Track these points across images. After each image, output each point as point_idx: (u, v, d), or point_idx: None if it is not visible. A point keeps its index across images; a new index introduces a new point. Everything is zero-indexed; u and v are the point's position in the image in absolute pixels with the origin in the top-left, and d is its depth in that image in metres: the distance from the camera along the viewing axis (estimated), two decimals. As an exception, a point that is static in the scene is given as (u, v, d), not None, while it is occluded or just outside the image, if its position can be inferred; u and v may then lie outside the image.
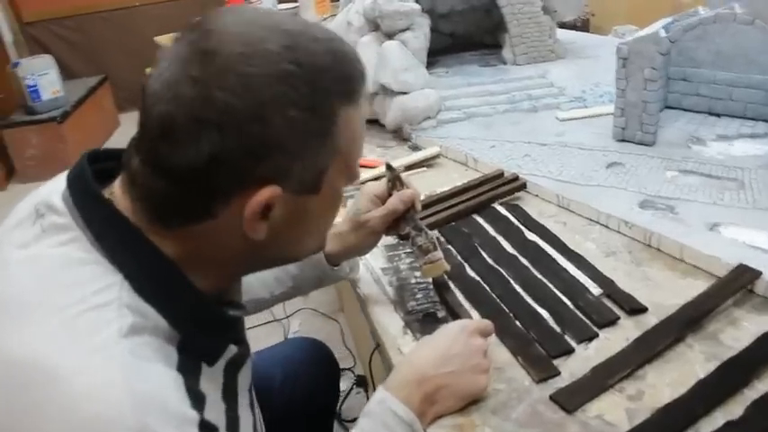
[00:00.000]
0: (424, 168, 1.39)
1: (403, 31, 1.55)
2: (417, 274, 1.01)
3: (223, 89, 0.55)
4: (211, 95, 0.55)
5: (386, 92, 1.54)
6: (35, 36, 4.70)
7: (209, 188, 0.58)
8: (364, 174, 1.38)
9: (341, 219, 0.98)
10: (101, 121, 4.44)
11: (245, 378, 0.75)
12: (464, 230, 1.12)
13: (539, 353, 0.83)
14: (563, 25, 2.26)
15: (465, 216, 1.15)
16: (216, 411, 0.61)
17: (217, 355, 0.65)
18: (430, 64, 1.78)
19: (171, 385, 0.55)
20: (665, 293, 0.92)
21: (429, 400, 0.74)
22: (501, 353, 0.85)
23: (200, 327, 0.61)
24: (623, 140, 1.33)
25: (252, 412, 0.76)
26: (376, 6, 1.53)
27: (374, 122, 1.64)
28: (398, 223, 0.95)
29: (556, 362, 0.81)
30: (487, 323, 0.82)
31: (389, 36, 1.56)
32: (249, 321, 2.25)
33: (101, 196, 0.60)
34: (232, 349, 0.69)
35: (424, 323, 0.92)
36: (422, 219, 1.13)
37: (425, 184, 1.30)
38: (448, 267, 0.94)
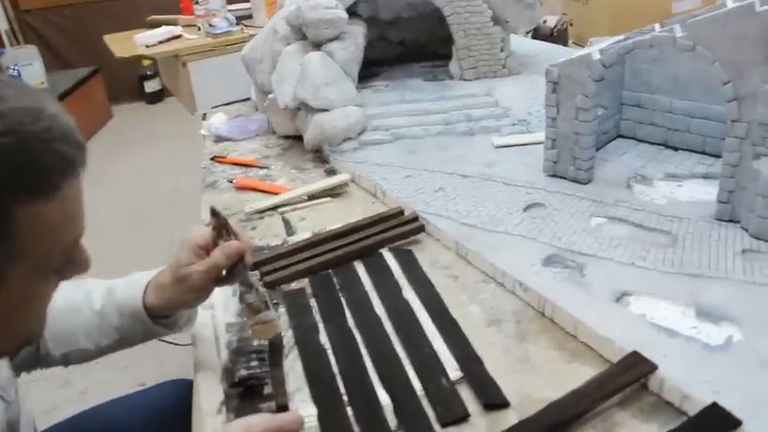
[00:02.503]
0: (329, 198, 1.22)
1: (331, 40, 1.39)
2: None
3: None
4: None
5: (307, 108, 1.38)
6: (32, 24, 4.61)
7: None
8: (265, 200, 1.23)
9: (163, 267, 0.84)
10: (91, 113, 4.33)
11: None
12: (335, 282, 0.96)
13: (354, 459, 0.66)
14: (536, 35, 2.07)
15: (345, 262, 0.99)
16: None
17: None
18: (373, 75, 1.63)
19: None
20: (540, 381, 0.75)
21: None
22: (316, 451, 0.69)
23: None
24: (555, 176, 1.16)
25: None
26: (300, 13, 1.37)
27: (298, 139, 1.49)
28: (230, 275, 0.80)
29: (374, 471, 0.65)
30: (287, 420, 0.66)
31: (317, 46, 1.40)
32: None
33: None
34: None
35: (244, 400, 0.76)
36: (301, 262, 0.98)
37: (322, 218, 1.15)
38: (280, 330, 0.79)
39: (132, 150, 3.94)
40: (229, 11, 2.32)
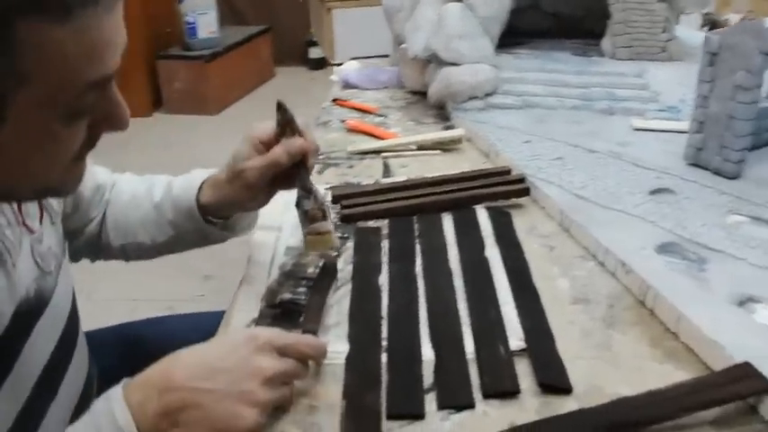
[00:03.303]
0: (438, 152, 1.13)
1: (475, -8, 1.29)
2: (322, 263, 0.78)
3: None
4: None
5: (437, 60, 1.28)
6: (216, -22, 4.84)
7: None
8: (371, 143, 1.16)
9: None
10: (253, 69, 4.47)
11: None
12: (416, 227, 0.86)
13: (372, 405, 0.57)
14: (713, 27, 1.85)
15: (434, 211, 0.89)
16: None
17: None
18: (517, 44, 1.51)
19: None
20: (617, 375, 0.61)
21: (169, 419, 0.53)
22: (333, 389, 0.60)
23: None
24: (696, 165, 0.99)
25: None
26: (445, -43, 1.27)
27: (426, 96, 1.40)
28: (290, 179, 0.74)
29: (391, 424, 0.55)
30: (302, 341, 0.58)
31: (459, -3, 1.30)
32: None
33: None
34: None
35: (277, 322, 0.69)
36: (385, 202, 0.90)
37: (425, 169, 1.05)
38: (336, 243, 0.73)
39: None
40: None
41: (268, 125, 0.73)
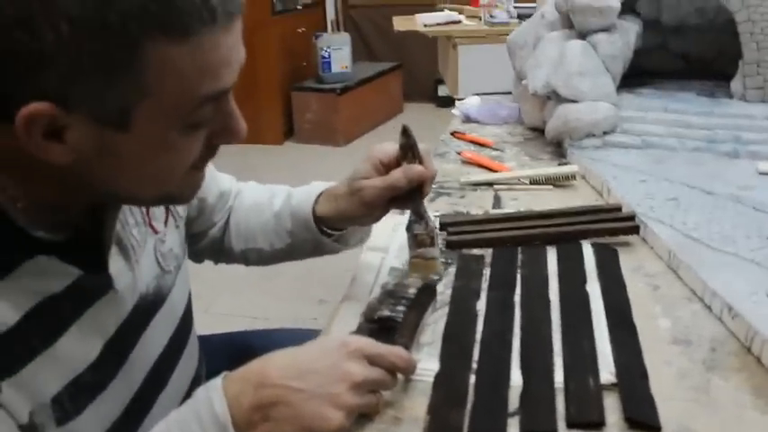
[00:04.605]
0: (551, 187, 1.13)
1: (597, 32, 1.29)
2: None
3: None
4: None
5: (557, 97, 1.29)
6: (354, 18, 5.05)
7: None
8: (484, 175, 1.18)
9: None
10: (382, 104, 4.61)
11: (105, 315, 0.64)
12: (520, 258, 0.87)
13: (455, 423, 0.59)
14: None
15: (538, 243, 0.90)
16: None
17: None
18: (642, 84, 1.48)
19: None
20: (714, 422, 0.60)
21: (262, 412, 0.57)
22: (419, 403, 0.62)
23: None
24: (827, 215, 0.94)
25: (112, 353, 0.65)
26: (570, -2, 1.29)
27: (540, 132, 1.41)
28: (405, 202, 0.78)
29: (471, 444, 0.57)
30: (393, 352, 0.61)
31: (582, 36, 1.31)
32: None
33: None
34: (70, 272, 0.59)
35: (372, 337, 0.71)
36: (491, 231, 0.92)
37: (536, 203, 1.06)
38: (441, 271, 0.78)
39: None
40: (515, 7, 2.30)
41: (390, 146, 0.78)
